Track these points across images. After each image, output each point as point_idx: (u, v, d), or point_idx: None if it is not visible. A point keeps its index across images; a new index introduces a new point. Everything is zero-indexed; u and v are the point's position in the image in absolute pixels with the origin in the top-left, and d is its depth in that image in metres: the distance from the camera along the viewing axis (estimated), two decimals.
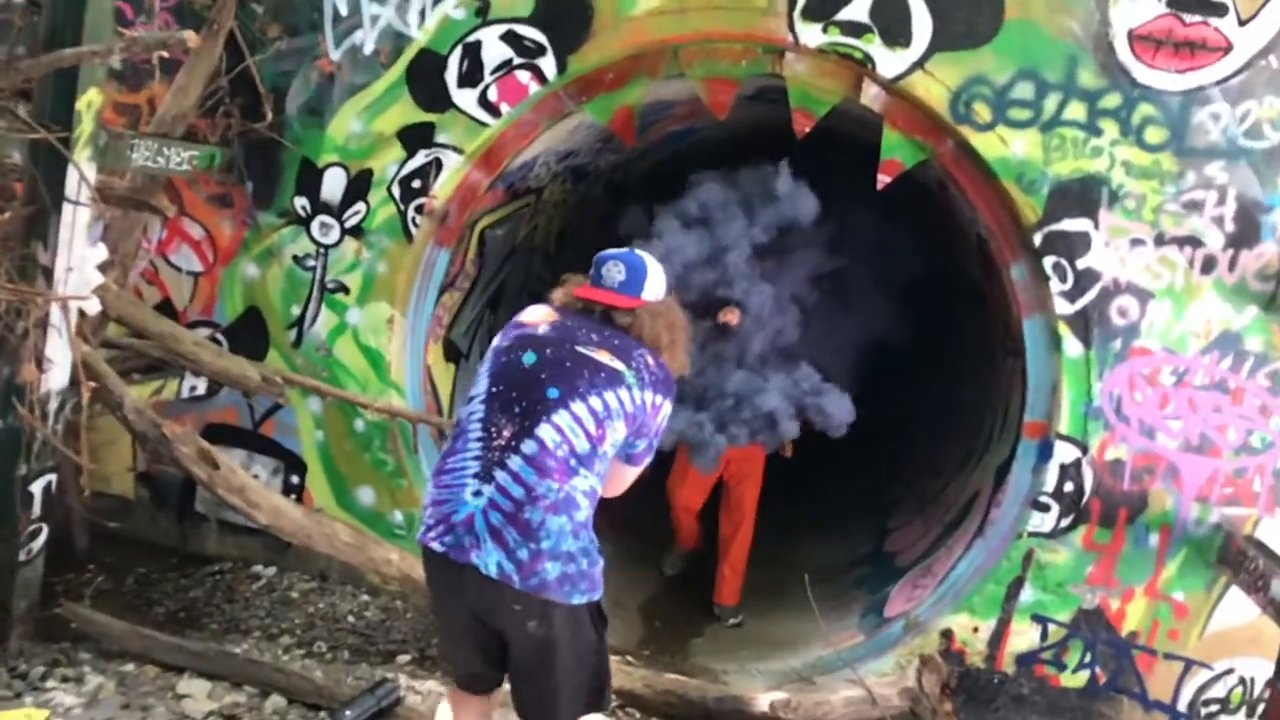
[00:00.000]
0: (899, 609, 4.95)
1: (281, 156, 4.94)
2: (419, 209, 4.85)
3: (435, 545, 2.75)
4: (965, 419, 6.51)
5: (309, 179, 4.92)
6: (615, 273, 2.93)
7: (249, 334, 5.06)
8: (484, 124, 4.77)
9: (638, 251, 3.05)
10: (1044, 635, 4.54)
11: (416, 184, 4.85)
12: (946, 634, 4.63)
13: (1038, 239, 4.42)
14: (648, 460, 3.03)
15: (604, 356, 2.83)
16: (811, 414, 5.55)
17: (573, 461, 2.73)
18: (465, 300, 5.50)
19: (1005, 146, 4.37)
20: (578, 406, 2.75)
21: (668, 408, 2.93)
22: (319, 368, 4.99)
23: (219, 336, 5.09)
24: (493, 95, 4.75)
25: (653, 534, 6.60)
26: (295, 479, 5.11)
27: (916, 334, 7.20)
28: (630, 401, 2.81)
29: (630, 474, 3.05)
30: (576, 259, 6.83)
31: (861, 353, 6.58)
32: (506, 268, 5.88)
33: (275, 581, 5.04)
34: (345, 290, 4.96)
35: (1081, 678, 4.54)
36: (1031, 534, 4.51)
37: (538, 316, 2.96)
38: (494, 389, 2.83)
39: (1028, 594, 4.52)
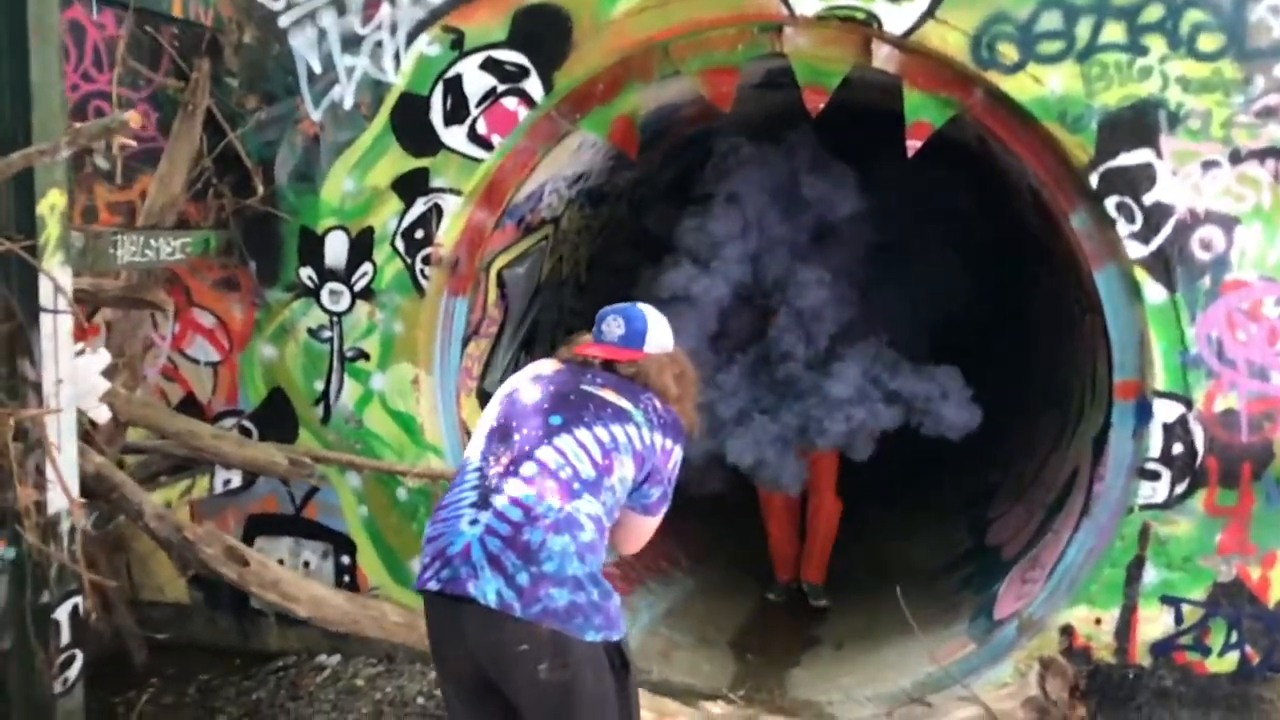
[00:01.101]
0: (1010, 608, 4.48)
1: (280, 229, 4.72)
2: (426, 260, 4.59)
3: (432, 585, 2.49)
4: (1053, 389, 6.01)
5: (311, 247, 4.70)
6: (615, 327, 2.83)
7: (276, 417, 4.84)
8: (478, 160, 4.49)
9: (639, 306, 2.93)
10: (1178, 618, 4.02)
11: (420, 234, 4.58)
12: (1067, 630, 4.14)
13: (1094, 180, 3.95)
14: (663, 510, 2.84)
15: (610, 395, 2.71)
16: (924, 421, 5.41)
17: (576, 485, 2.53)
18: (495, 347, 5.21)
19: (1040, 85, 3.93)
20: (582, 433, 2.60)
21: (679, 454, 2.77)
22: (351, 441, 4.75)
23: (247, 424, 4.88)
24: (482, 128, 4.47)
25: (738, 561, 6.22)
26: (346, 559, 4.86)
27: (987, 303, 6.76)
28: (639, 439, 2.64)
29: (647, 526, 2.85)
30: (612, 286, 6.67)
31: (933, 326, 6.19)
32: (535, 306, 5.58)
33: (340, 670, 4.78)
34: (365, 356, 4.71)
35: (1231, 660, 4.01)
36: (1144, 506, 4.01)
37: (540, 368, 2.86)
38: (493, 425, 2.69)
39: (1151, 574, 4.01)
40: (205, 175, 4.67)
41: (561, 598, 2.40)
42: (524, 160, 4.61)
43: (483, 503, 2.51)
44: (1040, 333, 6.45)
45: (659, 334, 2.85)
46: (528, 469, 2.53)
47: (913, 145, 4.27)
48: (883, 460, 6.49)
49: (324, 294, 4.71)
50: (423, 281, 4.60)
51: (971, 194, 6.46)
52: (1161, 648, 4.06)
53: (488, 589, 2.41)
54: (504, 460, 2.57)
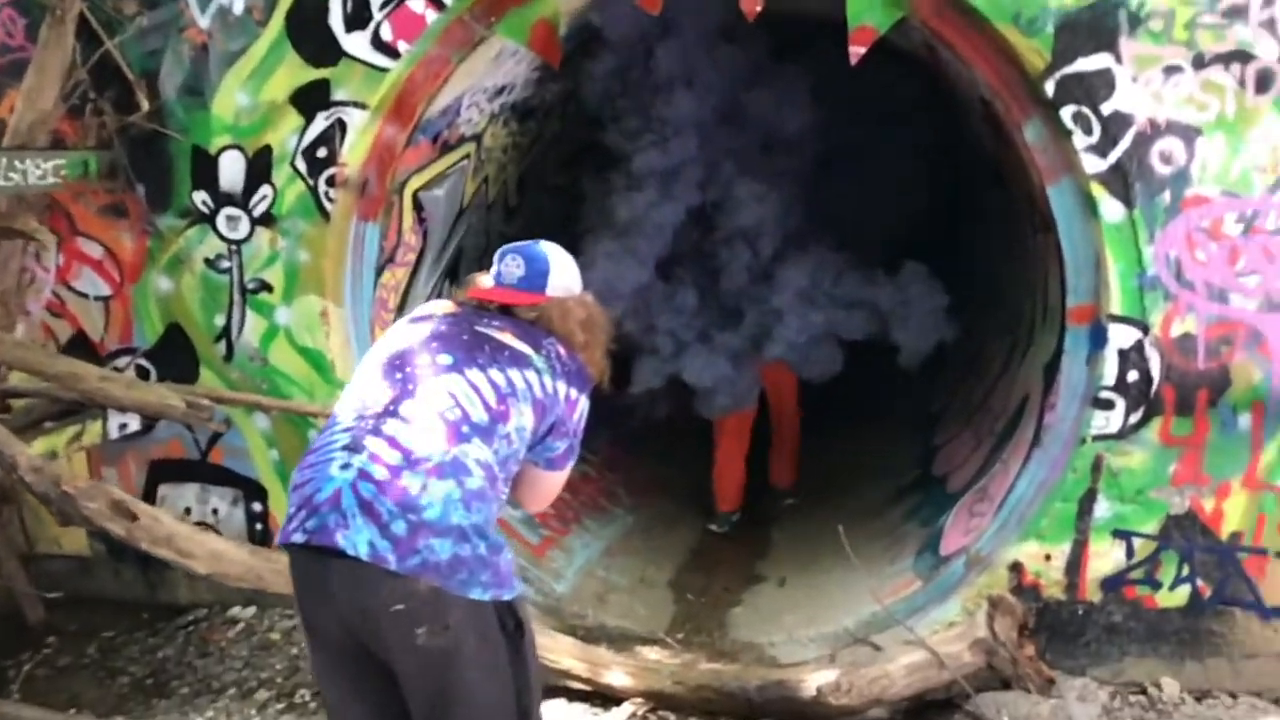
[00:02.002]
0: (957, 544, 4.29)
1: (169, 149, 4.30)
2: (330, 181, 4.20)
3: (296, 537, 2.20)
4: (1001, 311, 5.78)
5: (204, 169, 4.29)
6: (514, 268, 2.55)
7: (175, 355, 4.48)
8: (383, 70, 4.09)
9: (541, 244, 2.63)
10: (1129, 552, 3.85)
11: (322, 153, 4.19)
12: (1016, 567, 3.96)
13: (1050, 87, 3.66)
14: (568, 465, 2.59)
15: (508, 338, 2.44)
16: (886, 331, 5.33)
17: (465, 428, 2.26)
18: (413, 276, 4.85)
19: None
20: (475, 375, 2.33)
21: (584, 405, 2.55)
22: (257, 380, 4.40)
23: (144, 363, 4.51)
24: (386, 34, 4.06)
25: (680, 495, 5.99)
26: (257, 505, 4.54)
27: (935, 222, 6.51)
28: (540, 387, 2.39)
29: (552, 481, 2.61)
30: (546, 208, 6.35)
31: (884, 239, 5.98)
32: (458, 231, 5.22)
33: (254, 623, 4.50)
34: (268, 288, 4.34)
35: (1182, 594, 3.85)
36: (1097, 437, 3.80)
37: (431, 308, 2.57)
38: (371, 365, 2.40)
39: (1104, 508, 3.82)
40: (81, 89, 4.22)
41: (444, 549, 2.13)
42: (436, 70, 4.21)
43: (356, 445, 2.22)
44: (989, 252, 6.20)
45: (563, 275, 2.58)
46: (409, 409, 2.25)
47: (856, 52, 3.93)
48: (830, 382, 6.45)
49: (220, 220, 4.32)
50: (328, 205, 4.22)
51: (920, 107, 6.16)
52: (1112, 583, 3.89)
53: (359, 539, 2.12)
54: (382, 401, 2.28)
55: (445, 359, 2.34)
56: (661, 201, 5.38)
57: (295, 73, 4.14)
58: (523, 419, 2.34)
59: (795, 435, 6.07)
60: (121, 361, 4.50)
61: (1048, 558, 3.92)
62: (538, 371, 2.39)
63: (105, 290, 4.51)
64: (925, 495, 5.15)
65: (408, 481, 2.16)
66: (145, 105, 4.23)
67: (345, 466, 2.19)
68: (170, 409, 4.00)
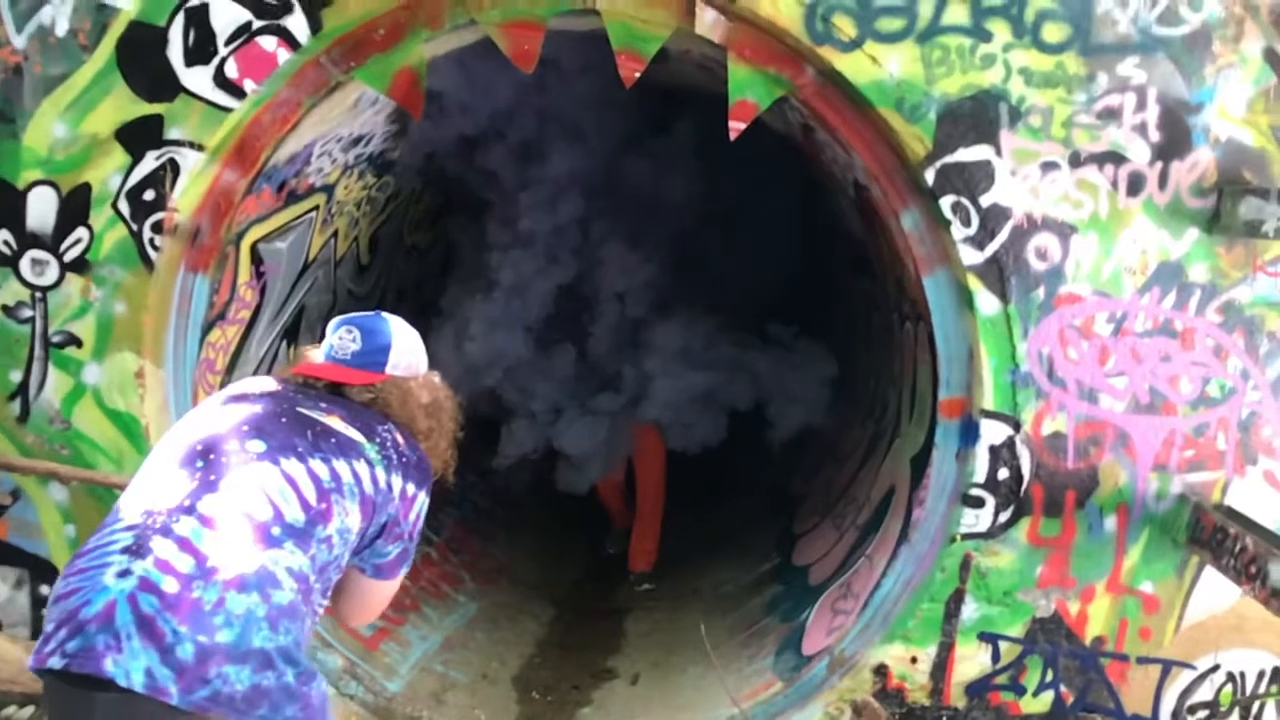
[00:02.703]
0: (820, 643, 4.09)
1: None
2: (157, 227, 3.77)
3: (53, 662, 1.76)
4: (864, 398, 5.72)
5: (8, 204, 3.79)
6: (348, 341, 2.25)
7: None
8: (226, 109, 3.72)
9: (384, 315, 2.34)
10: (995, 656, 3.73)
11: (150, 195, 3.76)
12: (880, 670, 3.79)
13: (930, 176, 3.59)
14: (401, 574, 2.25)
15: (335, 422, 2.10)
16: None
17: (276, 530, 1.92)
18: (247, 334, 4.42)
19: (878, 66, 3.53)
20: (292, 465, 1.99)
21: (423, 502, 2.23)
22: (56, 445, 3.87)
23: None
24: (232, 71, 3.69)
25: (527, 582, 5.65)
26: (45, 589, 3.97)
27: (799, 301, 6.48)
28: (370, 481, 2.06)
29: (380, 592, 2.26)
30: (403, 268, 6.15)
31: (753, 308, 5.98)
32: (301, 287, 4.82)
33: None
34: (77, 343, 3.84)
35: (1045, 700, 3.75)
36: (966, 535, 3.69)
37: (247, 385, 2.26)
38: (168, 447, 2.01)
39: (971, 609, 3.71)
40: None
41: (242, 679, 1.77)
42: (285, 114, 3.85)
43: (140, 548, 1.82)
44: (851, 337, 6.17)
45: (406, 353, 2.30)
46: (209, 506, 1.88)
47: (736, 127, 3.80)
48: (692, 459, 6.30)
49: (24, 263, 3.81)
50: (152, 254, 3.78)
51: (792, 185, 6.19)
52: (977, 688, 3.77)
53: (133, 666, 1.73)
54: (178, 495, 1.90)
55: (257, 445, 1.98)
56: (540, 263, 5.47)
57: (124, 106, 3.72)
58: (348, 519, 2.01)
59: (659, 513, 5.91)
60: None
61: (914, 660, 3.77)
62: (369, 463, 2.07)
63: None
64: (786, 586, 4.96)
65: (201, 594, 1.78)
66: None
67: (124, 574, 1.79)
68: None
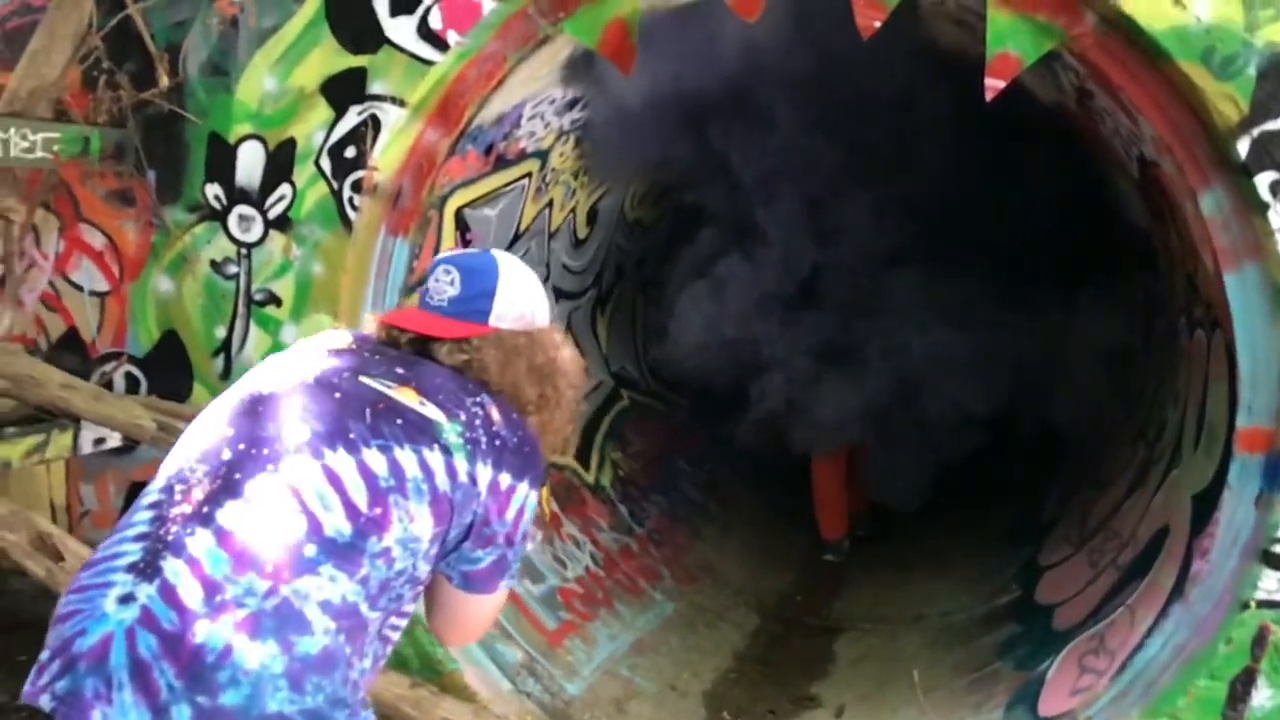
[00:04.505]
0: (1062, 703, 3.43)
1: (185, 133, 3.80)
2: (357, 186, 3.62)
3: (44, 701, 1.45)
4: (1136, 414, 4.90)
5: (220, 159, 3.77)
6: (445, 284, 1.80)
7: (168, 366, 3.93)
8: (429, 62, 3.51)
9: (494, 252, 1.87)
10: None
11: (351, 152, 3.62)
12: None
13: (1243, 147, 2.87)
14: (502, 588, 1.78)
15: (407, 396, 1.66)
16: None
17: (310, 549, 1.50)
18: None
19: (1181, 8, 2.84)
20: (339, 460, 1.56)
21: (525, 495, 1.72)
22: None
23: (134, 371, 3.98)
24: (436, 22, 3.48)
25: (732, 587, 5.23)
26: None
27: (1056, 303, 5.70)
28: (445, 474, 1.62)
29: (472, 607, 1.78)
30: (619, 244, 5.94)
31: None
32: None
33: None
34: (277, 301, 3.77)
35: None
36: (1263, 603, 2.94)
37: (315, 344, 1.80)
38: (197, 430, 1.65)
39: (1264, 696, 2.95)
40: (95, 57, 3.73)
41: None
42: (490, 69, 3.60)
43: (147, 566, 1.47)
44: (1126, 344, 5.32)
45: (518, 298, 1.81)
46: (229, 516, 1.50)
47: (993, 86, 3.19)
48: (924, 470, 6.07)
49: (232, 219, 3.78)
50: (352, 214, 3.64)
51: (1059, 171, 5.41)
52: None
53: None
54: (194, 495, 1.53)
55: (297, 432, 1.57)
56: (801, 221, 5.43)
57: (330, 58, 3.59)
58: (413, 525, 1.58)
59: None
60: (110, 366, 3.98)
61: None
62: (445, 450, 1.61)
63: (103, 285, 4.00)
64: (1025, 628, 4.28)
65: (205, 640, 1.41)
66: (164, 82, 3.73)
67: (126, 600, 1.45)
68: (139, 429, 3.44)
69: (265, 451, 1.54)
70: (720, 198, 5.70)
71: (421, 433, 1.60)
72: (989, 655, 4.24)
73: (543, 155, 4.40)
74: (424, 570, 1.64)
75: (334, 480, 1.53)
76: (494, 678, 3.67)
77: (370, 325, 1.86)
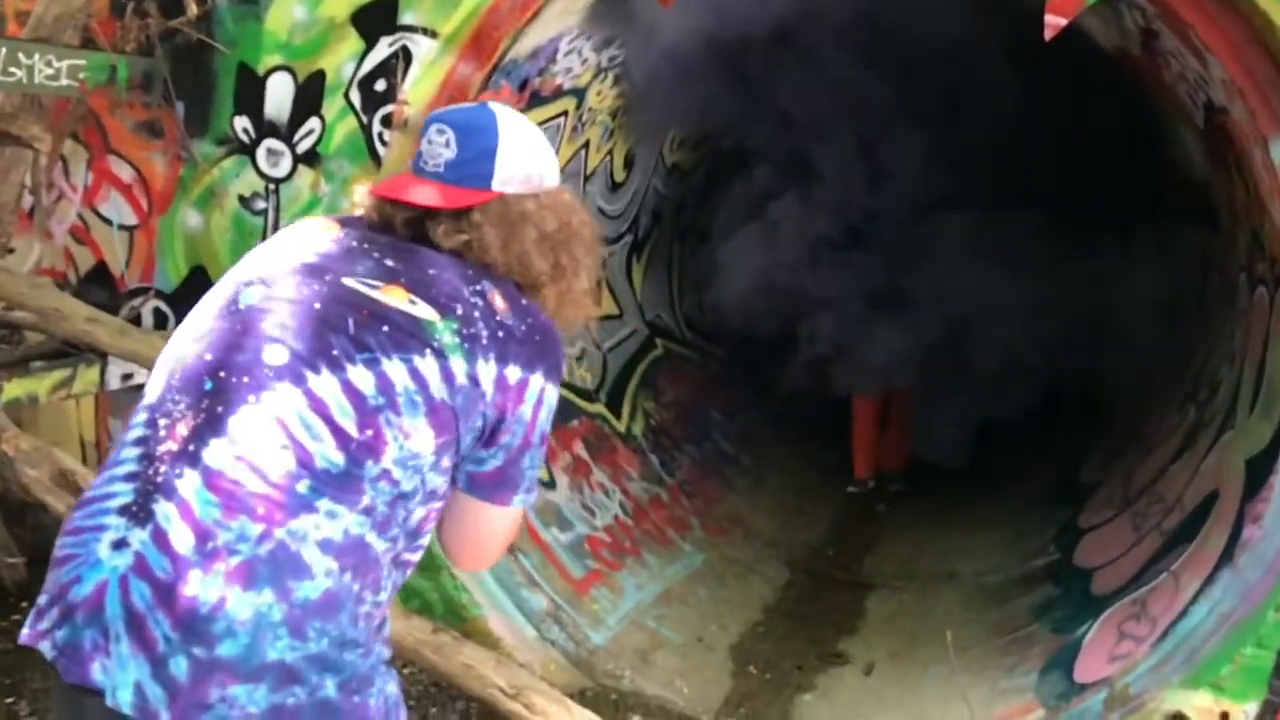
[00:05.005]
0: (1098, 670, 3.34)
1: (214, 64, 3.70)
2: (387, 121, 3.53)
3: (44, 647, 1.38)
4: (1185, 374, 4.74)
5: (249, 91, 3.68)
6: (439, 146, 1.56)
7: (196, 301, 3.87)
8: None
9: (491, 106, 1.62)
10: None
11: (381, 86, 3.52)
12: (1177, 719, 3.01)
13: None
14: (516, 504, 1.59)
15: (393, 296, 1.47)
16: None
17: (303, 485, 1.38)
18: None
19: None
20: (323, 383, 1.42)
21: (540, 388, 1.53)
22: None
23: (162, 306, 3.94)
24: None
25: (762, 539, 5.16)
26: None
27: (1108, 256, 5.53)
28: (441, 380, 1.45)
29: (485, 519, 1.59)
30: (657, 189, 5.86)
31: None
32: None
33: None
34: None
35: None
36: None
37: (300, 233, 1.60)
38: (177, 345, 1.52)
39: None
40: None
41: (255, 700, 1.33)
42: (524, 1, 3.47)
43: (139, 509, 1.38)
44: (1179, 301, 5.14)
45: (523, 157, 1.58)
46: (215, 454, 1.38)
47: (1053, 24, 3.02)
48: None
49: (260, 153, 3.70)
50: (381, 149, 3.55)
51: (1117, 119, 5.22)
52: None
53: (121, 681, 1.33)
54: (182, 427, 1.41)
55: (276, 354, 1.42)
56: (847, 164, 5.45)
57: None
58: (410, 442, 1.43)
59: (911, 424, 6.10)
60: (138, 301, 3.94)
61: (1224, 716, 2.95)
62: (439, 353, 1.44)
63: (132, 219, 3.94)
64: (1063, 590, 4.18)
65: (198, 591, 1.32)
66: (193, 10, 3.63)
67: (120, 545, 1.37)
68: None
69: (245, 380, 1.41)
70: (764, 141, 5.61)
71: (411, 337, 1.44)
72: (1024, 617, 4.16)
73: (580, 93, 4.27)
74: (438, 483, 1.50)
75: (319, 407, 1.40)
76: (518, 625, 3.63)
77: (361, 199, 1.63)
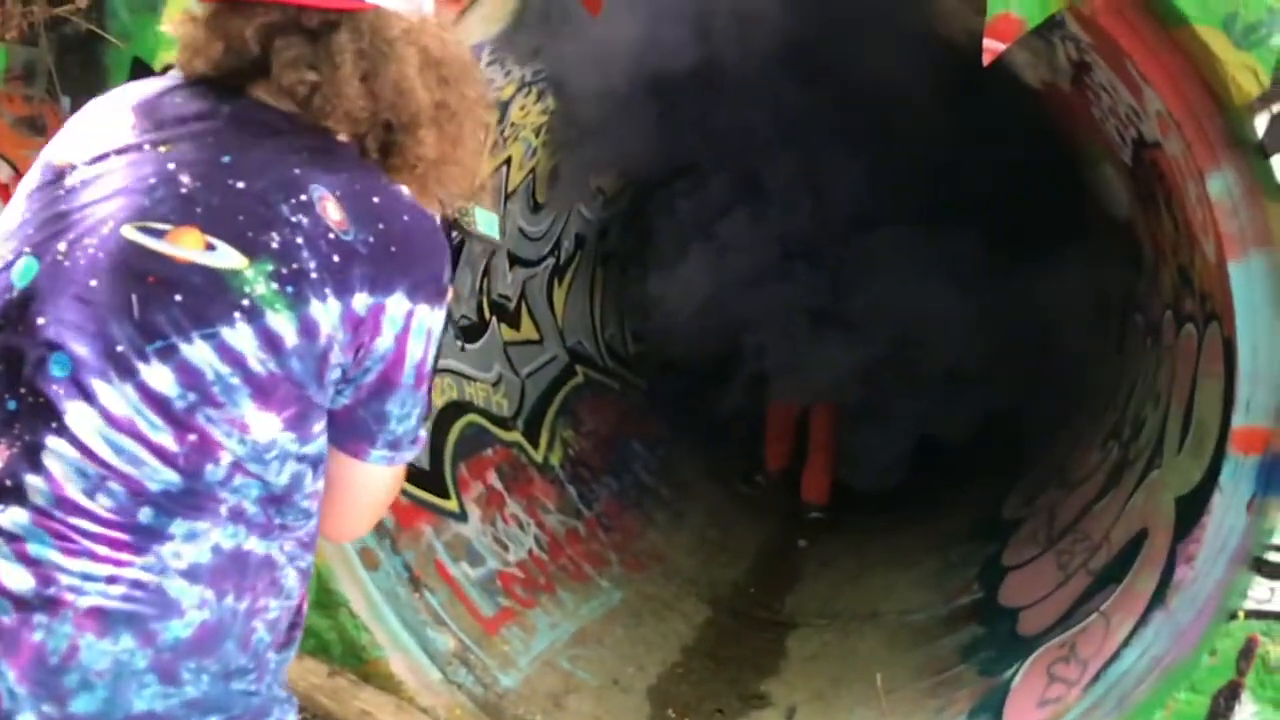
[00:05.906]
0: (1028, 714, 3.23)
1: (104, 58, 3.44)
2: None
3: None
4: (1109, 412, 4.73)
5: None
6: None
7: None
8: None
9: None
10: None
11: None
12: None
13: (1260, 125, 2.65)
14: (384, 454, 1.32)
15: (187, 244, 1.17)
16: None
17: (144, 513, 1.15)
18: None
19: None
20: (115, 396, 1.15)
21: (421, 319, 1.25)
22: None
23: None
24: None
25: (683, 577, 5.00)
26: None
27: (1027, 293, 5.54)
28: (264, 347, 1.17)
29: (346, 474, 1.32)
30: (580, 213, 5.70)
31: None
32: None
33: None
34: None
35: None
36: (1253, 613, 2.75)
37: (81, 140, 1.27)
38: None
39: (1249, 712, 2.76)
40: None
41: None
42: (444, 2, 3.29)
43: None
44: (1098, 341, 5.15)
45: None
46: (36, 492, 1.15)
47: (992, 48, 2.94)
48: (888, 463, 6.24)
49: None
50: None
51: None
52: None
53: None
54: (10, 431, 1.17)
55: (61, 364, 1.15)
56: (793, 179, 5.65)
57: None
58: (249, 435, 1.18)
59: (833, 446, 6.06)
60: None
61: None
62: (250, 312, 1.16)
63: None
64: (988, 630, 4.08)
65: (44, 638, 1.12)
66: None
67: None
68: None
69: (40, 401, 1.16)
70: (692, 167, 5.64)
71: (212, 302, 1.15)
72: (951, 658, 4.04)
73: (502, 106, 4.10)
74: (311, 449, 1.24)
75: (123, 425, 1.15)
76: (423, 666, 3.39)
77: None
